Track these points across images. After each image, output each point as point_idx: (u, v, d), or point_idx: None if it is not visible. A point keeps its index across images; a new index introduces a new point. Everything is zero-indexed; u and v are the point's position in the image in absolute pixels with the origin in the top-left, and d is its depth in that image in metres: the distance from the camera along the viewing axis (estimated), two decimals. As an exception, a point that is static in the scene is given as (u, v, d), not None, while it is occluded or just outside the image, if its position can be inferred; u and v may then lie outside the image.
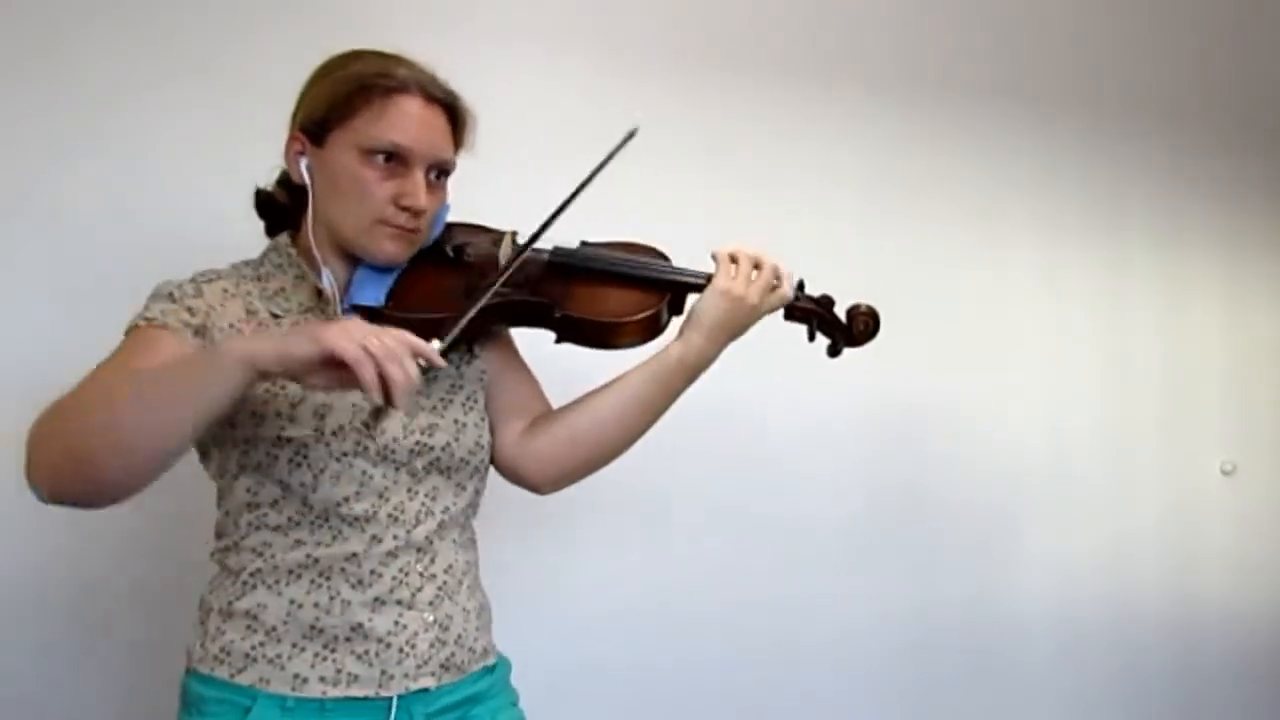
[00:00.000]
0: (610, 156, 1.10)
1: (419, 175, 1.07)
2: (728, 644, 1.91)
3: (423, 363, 0.90)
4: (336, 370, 0.87)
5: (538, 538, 1.77)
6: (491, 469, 1.22)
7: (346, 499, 1.04)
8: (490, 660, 1.16)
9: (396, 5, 1.71)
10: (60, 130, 1.54)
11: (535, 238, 1.08)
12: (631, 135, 1.10)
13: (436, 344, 0.94)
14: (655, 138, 1.86)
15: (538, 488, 1.23)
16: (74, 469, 0.88)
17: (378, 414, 0.91)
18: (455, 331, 0.98)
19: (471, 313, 1.01)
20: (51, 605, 1.52)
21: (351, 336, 0.86)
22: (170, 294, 1.05)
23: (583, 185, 1.09)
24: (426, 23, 1.71)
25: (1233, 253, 2.40)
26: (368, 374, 0.85)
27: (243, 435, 1.03)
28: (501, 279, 1.06)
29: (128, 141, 1.57)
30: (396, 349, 0.87)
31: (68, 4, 1.55)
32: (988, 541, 2.14)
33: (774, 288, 1.18)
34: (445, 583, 1.09)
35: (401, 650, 1.05)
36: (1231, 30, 2.42)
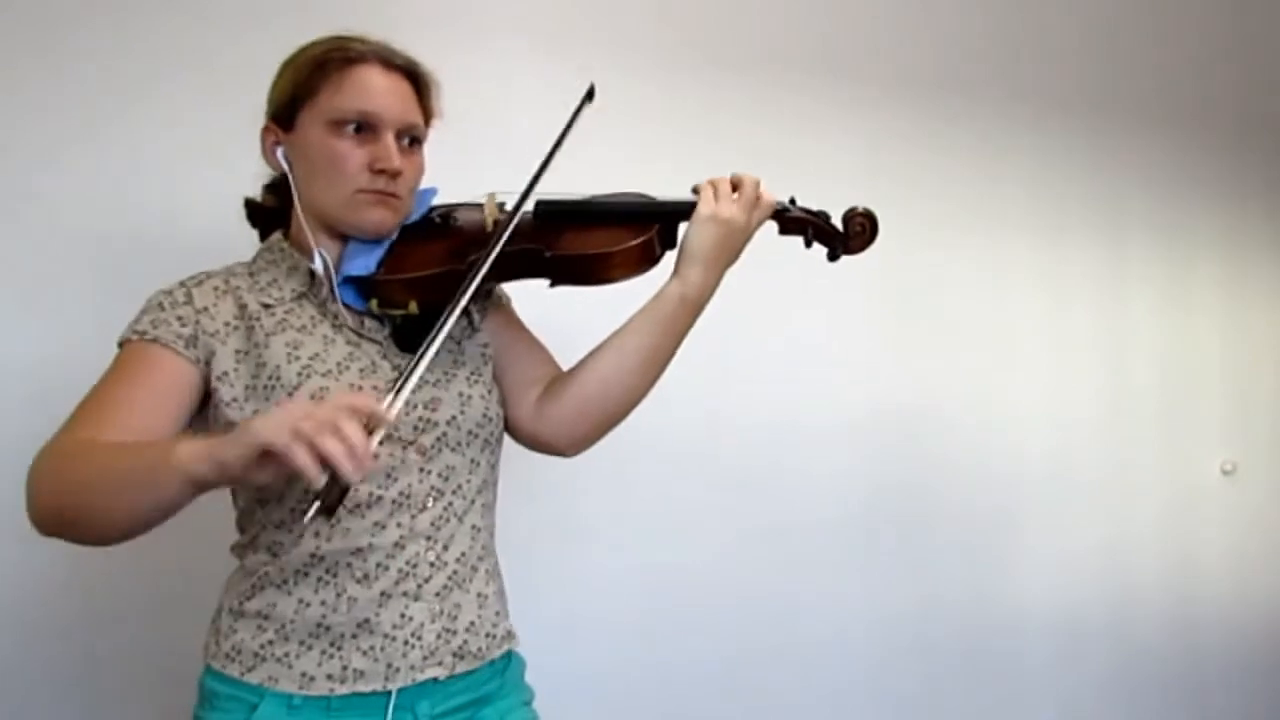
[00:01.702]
0: (573, 119, 1.14)
1: (389, 139, 1.08)
2: (727, 644, 1.91)
3: (365, 421, 0.84)
4: (277, 462, 0.82)
5: (535, 539, 1.77)
6: (508, 458, 1.21)
7: None
8: (512, 644, 1.16)
9: (397, 5, 1.71)
10: (57, 130, 1.54)
11: (518, 208, 1.10)
12: (590, 96, 1.14)
13: (389, 398, 0.90)
14: (656, 137, 1.89)
15: (562, 452, 1.22)
16: (59, 522, 0.94)
17: (325, 495, 0.83)
18: (411, 380, 0.94)
19: (461, 303, 1.01)
20: (56, 604, 1.52)
21: (279, 423, 0.81)
22: (160, 303, 1.05)
23: (553, 150, 1.11)
24: (427, 22, 1.71)
25: (1233, 253, 2.40)
26: (301, 459, 0.79)
27: None
28: (484, 266, 1.05)
29: (125, 141, 1.57)
30: (330, 418, 0.81)
31: (65, 3, 1.55)
32: (988, 541, 2.14)
33: (758, 201, 1.16)
34: (456, 571, 1.09)
35: (407, 643, 1.05)
36: (1231, 30, 2.42)
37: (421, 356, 0.97)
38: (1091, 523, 2.23)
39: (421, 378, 1.09)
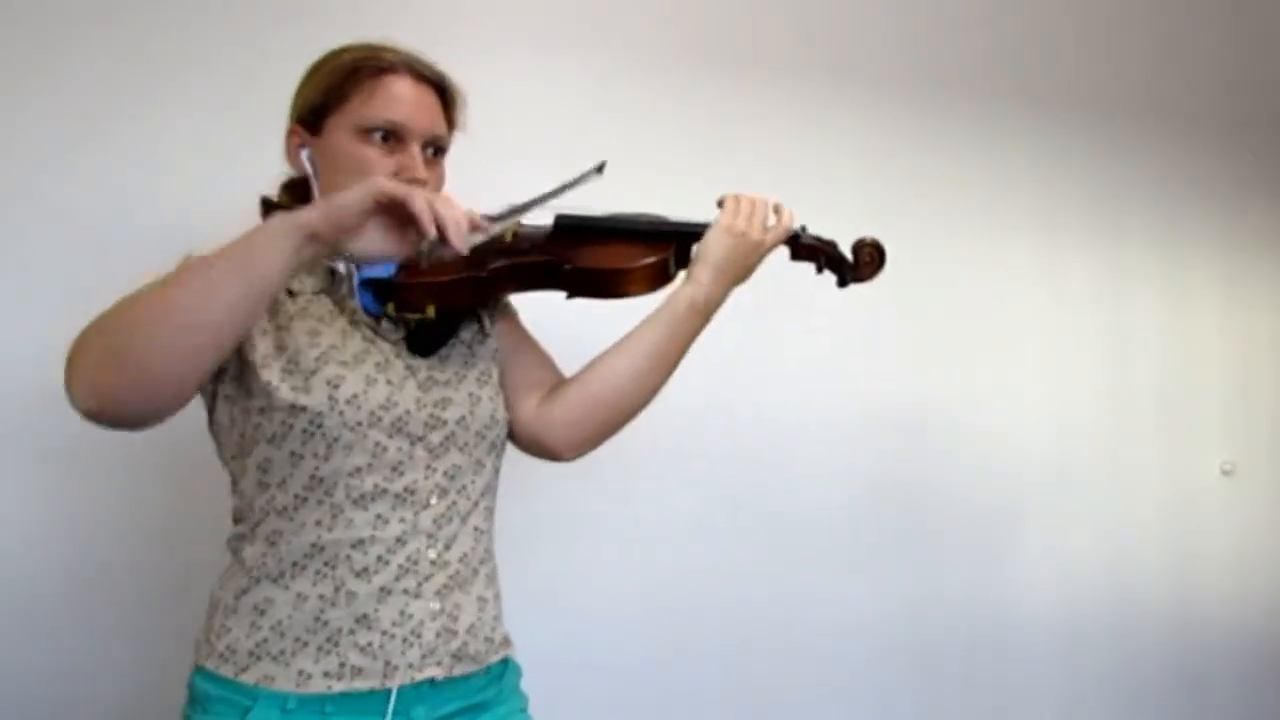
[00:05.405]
0: (572, 184, 1.12)
1: (415, 150, 1.10)
2: (727, 643, 1.91)
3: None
4: (387, 226, 0.91)
5: (537, 538, 1.77)
6: (508, 457, 1.22)
7: (358, 470, 1.03)
8: (509, 650, 1.16)
9: (399, 5, 1.71)
10: (63, 128, 1.54)
11: (525, 207, 1.09)
12: (599, 170, 1.14)
13: (490, 224, 0.97)
14: (657, 137, 1.89)
15: (559, 455, 1.24)
16: (120, 364, 0.85)
17: (433, 248, 0.93)
18: (506, 215, 1.01)
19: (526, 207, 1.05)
20: (56, 601, 1.52)
21: (393, 181, 0.91)
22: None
23: (543, 199, 1.09)
24: (430, 21, 1.71)
25: (1233, 253, 2.40)
26: (419, 204, 0.88)
27: (257, 405, 1.03)
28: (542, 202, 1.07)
29: (131, 139, 1.57)
30: (445, 196, 0.92)
31: (67, 4, 1.55)
32: (988, 541, 2.14)
33: (775, 223, 1.22)
34: (458, 571, 1.09)
35: (405, 640, 1.04)
36: (1231, 30, 2.42)
37: (528, 206, 1.03)
38: (1091, 523, 2.23)
39: (432, 377, 1.11)
